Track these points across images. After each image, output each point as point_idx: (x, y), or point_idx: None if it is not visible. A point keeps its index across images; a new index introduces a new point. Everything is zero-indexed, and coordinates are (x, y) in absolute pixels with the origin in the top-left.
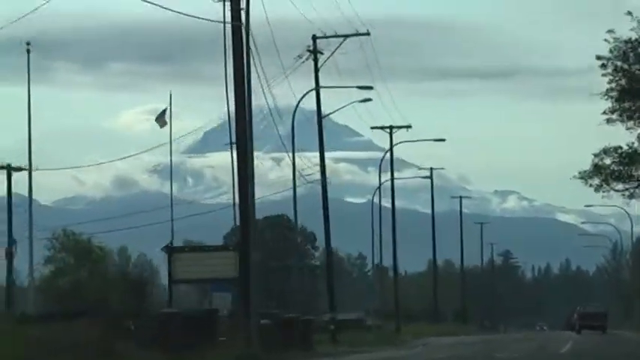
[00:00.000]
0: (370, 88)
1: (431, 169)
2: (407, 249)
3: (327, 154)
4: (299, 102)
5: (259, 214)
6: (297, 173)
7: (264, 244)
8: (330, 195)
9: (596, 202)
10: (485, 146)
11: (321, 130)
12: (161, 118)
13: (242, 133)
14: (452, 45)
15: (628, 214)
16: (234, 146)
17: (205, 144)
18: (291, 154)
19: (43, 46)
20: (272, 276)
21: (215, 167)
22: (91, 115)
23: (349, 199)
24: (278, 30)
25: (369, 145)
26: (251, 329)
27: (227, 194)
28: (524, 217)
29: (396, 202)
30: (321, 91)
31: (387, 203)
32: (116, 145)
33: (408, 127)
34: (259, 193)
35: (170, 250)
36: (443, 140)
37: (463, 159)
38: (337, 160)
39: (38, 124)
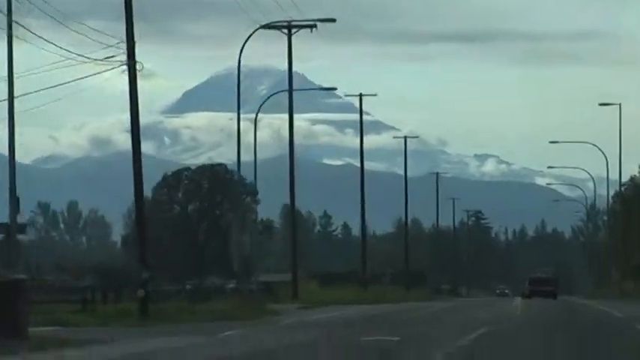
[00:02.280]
0: None
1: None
2: (379, 210)
3: (304, 116)
4: None
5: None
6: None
7: (199, 194)
8: (308, 157)
9: (569, 163)
10: (465, 110)
11: None
12: None
13: None
14: (432, 8)
15: (607, 164)
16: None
17: (184, 104)
18: (269, 116)
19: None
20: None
21: (192, 128)
22: (69, 74)
23: (327, 161)
24: None
25: (347, 107)
26: None
27: (205, 154)
28: (503, 180)
29: (375, 165)
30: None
31: (367, 166)
32: (95, 104)
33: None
34: (234, 154)
35: None
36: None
37: (443, 123)
38: (314, 122)
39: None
